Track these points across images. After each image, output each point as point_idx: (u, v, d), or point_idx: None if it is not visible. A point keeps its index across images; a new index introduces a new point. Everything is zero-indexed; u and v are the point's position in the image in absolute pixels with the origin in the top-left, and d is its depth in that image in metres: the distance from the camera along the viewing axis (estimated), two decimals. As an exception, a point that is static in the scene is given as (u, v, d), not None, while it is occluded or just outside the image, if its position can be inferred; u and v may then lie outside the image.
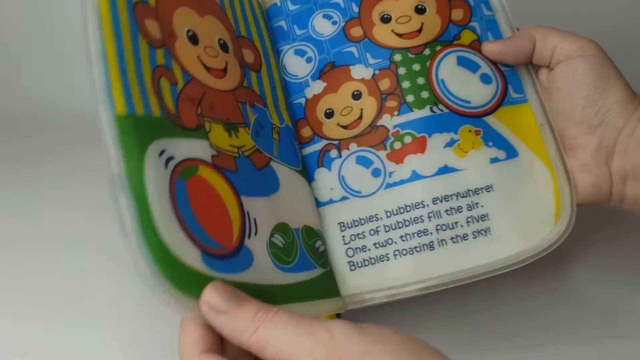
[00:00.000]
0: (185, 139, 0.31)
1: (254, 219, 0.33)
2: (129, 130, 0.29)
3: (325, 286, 0.37)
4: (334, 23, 0.43)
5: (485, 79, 0.41)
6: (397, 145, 0.40)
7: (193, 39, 0.35)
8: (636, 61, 0.53)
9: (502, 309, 0.46)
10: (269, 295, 0.31)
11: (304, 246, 0.36)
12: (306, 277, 0.35)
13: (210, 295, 0.28)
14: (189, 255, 0.28)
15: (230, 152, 0.34)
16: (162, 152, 0.30)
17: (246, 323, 0.27)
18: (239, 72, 0.38)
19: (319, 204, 0.40)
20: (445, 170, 0.39)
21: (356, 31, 0.43)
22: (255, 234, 0.33)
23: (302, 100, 0.43)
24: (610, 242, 0.51)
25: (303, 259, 0.36)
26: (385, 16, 0.42)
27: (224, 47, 0.37)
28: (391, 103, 0.41)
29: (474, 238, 0.38)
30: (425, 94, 0.40)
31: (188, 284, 0.28)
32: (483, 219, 0.38)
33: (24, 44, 0.77)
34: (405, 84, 0.41)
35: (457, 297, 0.45)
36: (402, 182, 0.39)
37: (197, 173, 0.31)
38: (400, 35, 0.42)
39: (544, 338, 0.43)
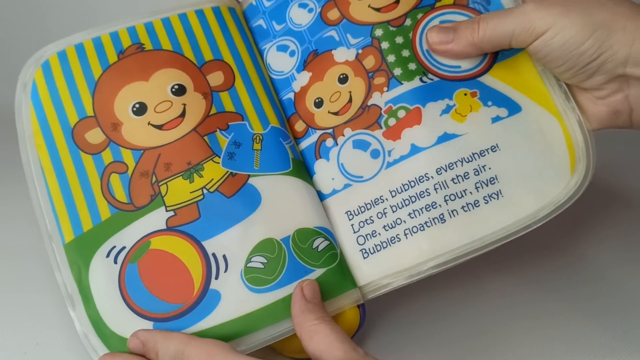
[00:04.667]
0: (137, 221, 0.36)
1: (223, 256, 0.35)
2: (76, 251, 0.36)
3: (333, 283, 0.36)
4: (310, 11, 0.42)
5: (475, 38, 0.39)
6: (392, 121, 0.38)
7: (140, 110, 0.38)
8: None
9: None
10: (244, 326, 0.34)
11: (295, 253, 0.36)
12: None
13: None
14: None
15: (192, 199, 0.37)
16: (111, 250, 0.35)
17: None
18: (203, 104, 0.39)
19: (322, 196, 0.39)
20: (445, 137, 0.37)
21: (333, 14, 0.41)
22: (225, 270, 0.35)
23: (292, 95, 0.42)
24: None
25: (293, 268, 0.36)
26: (360, -8, 0.41)
27: (179, 91, 0.39)
28: (379, 80, 0.39)
29: (486, 203, 0.36)
30: (412, 66, 0.39)
31: None
32: (492, 182, 0.36)
33: (25, 43, 0.78)
34: (391, 58, 0.39)
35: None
36: (402, 158, 0.38)
37: (150, 248, 0.35)
38: (378, 10, 0.40)
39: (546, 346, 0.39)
